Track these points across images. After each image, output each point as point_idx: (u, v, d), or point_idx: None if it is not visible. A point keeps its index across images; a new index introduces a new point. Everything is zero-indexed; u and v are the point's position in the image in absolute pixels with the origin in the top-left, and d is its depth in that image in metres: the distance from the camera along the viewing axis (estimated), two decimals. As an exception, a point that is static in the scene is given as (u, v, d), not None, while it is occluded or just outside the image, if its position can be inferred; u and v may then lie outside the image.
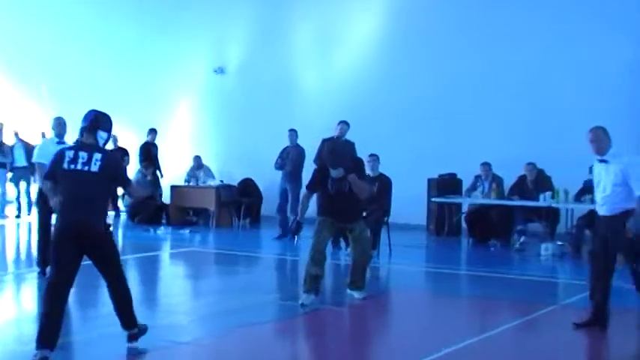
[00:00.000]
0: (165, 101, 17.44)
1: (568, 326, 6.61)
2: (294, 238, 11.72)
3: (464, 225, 12.79)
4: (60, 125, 8.52)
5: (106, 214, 5.58)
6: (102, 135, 5.52)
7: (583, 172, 10.12)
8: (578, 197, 11.33)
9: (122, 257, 5.84)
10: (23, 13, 18.62)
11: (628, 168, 6.30)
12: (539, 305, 7.54)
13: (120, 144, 15.83)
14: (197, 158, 15.48)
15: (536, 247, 11.18)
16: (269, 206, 14.23)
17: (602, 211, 6.50)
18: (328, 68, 15.64)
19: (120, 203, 15.98)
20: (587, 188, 10.39)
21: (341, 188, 7.42)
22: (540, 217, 11.77)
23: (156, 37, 17.35)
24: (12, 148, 15.80)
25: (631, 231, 6.24)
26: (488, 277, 9.52)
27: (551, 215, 11.65)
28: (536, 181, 11.73)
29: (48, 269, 6.54)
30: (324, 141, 11.45)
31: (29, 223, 14.30)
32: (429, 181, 13.60)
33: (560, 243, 11.15)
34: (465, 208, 12.95)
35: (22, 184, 15.87)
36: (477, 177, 12.42)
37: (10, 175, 15.88)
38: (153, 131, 15.70)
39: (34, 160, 8.65)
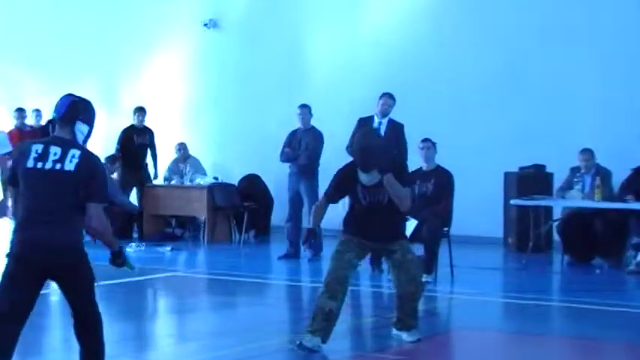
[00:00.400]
0: (136, 68, 17.51)
1: None
2: (311, 252, 11.89)
3: (556, 237, 12.80)
4: None
5: (82, 229, 5.53)
6: (81, 128, 5.45)
7: None
8: None
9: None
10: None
11: None
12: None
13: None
14: (181, 147, 15.50)
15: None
16: (281, 213, 14.20)
17: None
18: (358, 25, 15.61)
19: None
20: None
21: (377, 199, 7.32)
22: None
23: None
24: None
25: None
26: (593, 311, 9.48)
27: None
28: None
29: None
30: (361, 121, 11.50)
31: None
32: (506, 176, 13.65)
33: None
34: (557, 214, 12.91)
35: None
36: (574, 170, 12.35)
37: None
38: (139, 110, 15.36)
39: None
